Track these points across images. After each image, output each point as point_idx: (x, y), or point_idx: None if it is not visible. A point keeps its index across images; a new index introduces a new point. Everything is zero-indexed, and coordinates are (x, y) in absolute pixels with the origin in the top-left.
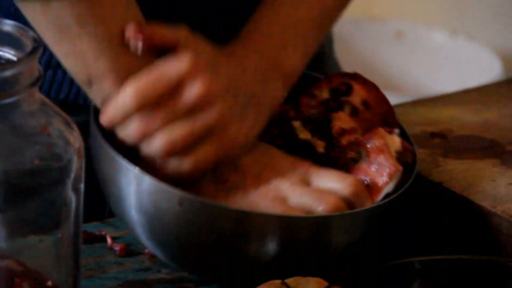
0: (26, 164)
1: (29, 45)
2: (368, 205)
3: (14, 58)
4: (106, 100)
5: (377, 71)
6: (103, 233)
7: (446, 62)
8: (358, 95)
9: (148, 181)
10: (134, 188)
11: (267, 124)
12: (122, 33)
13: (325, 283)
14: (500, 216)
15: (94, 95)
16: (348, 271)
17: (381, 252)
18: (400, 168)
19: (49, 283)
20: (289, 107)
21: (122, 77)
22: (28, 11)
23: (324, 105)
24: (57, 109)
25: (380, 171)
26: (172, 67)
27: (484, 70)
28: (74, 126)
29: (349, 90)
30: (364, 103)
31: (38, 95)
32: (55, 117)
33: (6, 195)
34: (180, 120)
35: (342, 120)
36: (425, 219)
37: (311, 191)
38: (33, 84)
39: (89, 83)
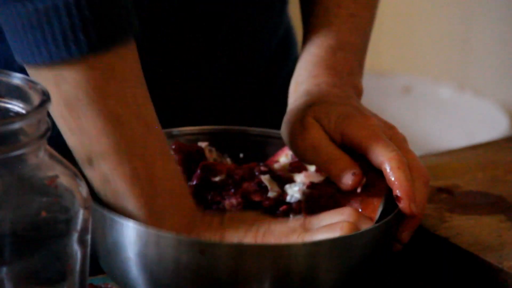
0: (32, 216)
1: (37, 98)
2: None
3: (23, 111)
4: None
5: None
6: (109, 286)
7: (452, 117)
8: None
9: (156, 234)
10: (138, 247)
11: (238, 179)
12: (129, 113)
13: None
14: (506, 272)
15: (93, 175)
16: None
17: None
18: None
19: None
20: (255, 163)
21: (123, 158)
22: (40, 79)
23: (289, 170)
24: (65, 161)
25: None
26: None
27: (490, 126)
28: (82, 178)
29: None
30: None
31: (46, 148)
32: (62, 169)
33: (12, 246)
34: None
35: (309, 176)
36: (431, 274)
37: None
38: (41, 137)
39: (90, 161)
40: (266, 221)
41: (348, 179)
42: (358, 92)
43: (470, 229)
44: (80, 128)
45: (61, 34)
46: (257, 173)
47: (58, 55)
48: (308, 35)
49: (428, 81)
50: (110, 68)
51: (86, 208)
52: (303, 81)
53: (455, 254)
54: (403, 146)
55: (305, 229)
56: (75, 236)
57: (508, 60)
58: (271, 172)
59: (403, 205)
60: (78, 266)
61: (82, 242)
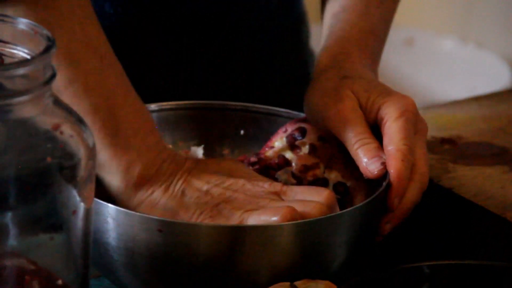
0: (37, 162)
1: (43, 43)
2: None
3: (28, 56)
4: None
5: (386, 78)
6: None
7: (455, 69)
8: (313, 134)
9: (124, 214)
10: (112, 225)
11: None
12: (80, 46)
13: (334, 286)
14: (509, 222)
15: None
16: (355, 274)
17: (390, 256)
18: None
19: (59, 282)
20: (244, 156)
21: (80, 92)
22: None
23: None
24: (70, 107)
25: None
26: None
27: (493, 77)
28: (87, 125)
29: (303, 133)
30: (321, 138)
31: (51, 93)
32: (67, 116)
33: (17, 192)
34: None
35: (303, 159)
36: (434, 224)
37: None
38: (46, 83)
39: None
40: (240, 179)
41: (375, 168)
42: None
43: (473, 180)
44: None
45: None
46: (247, 165)
47: None
48: (339, 12)
49: (430, 34)
50: (52, 2)
51: (91, 156)
52: (335, 54)
53: (458, 204)
54: (421, 137)
55: (277, 196)
56: (80, 183)
57: (511, 12)
58: (260, 161)
59: (388, 196)
60: (82, 213)
61: (86, 188)
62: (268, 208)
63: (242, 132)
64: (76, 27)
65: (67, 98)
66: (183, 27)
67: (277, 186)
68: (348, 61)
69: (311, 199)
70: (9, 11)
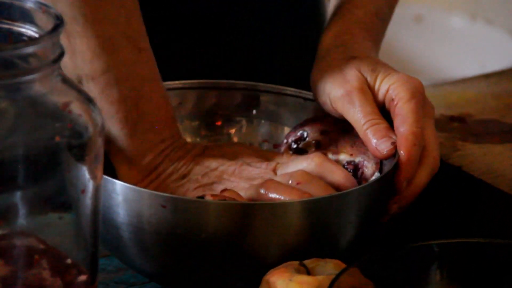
0: (46, 141)
1: (51, 22)
2: (337, 175)
3: (36, 35)
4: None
5: (396, 55)
6: None
7: (465, 46)
8: (314, 132)
9: (130, 189)
10: (118, 201)
11: None
12: (121, 36)
13: (343, 265)
14: None
15: None
16: (363, 253)
17: (398, 235)
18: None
19: (68, 260)
20: None
21: (111, 80)
22: None
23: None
24: (78, 86)
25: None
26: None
27: (502, 55)
28: (95, 104)
29: (304, 138)
30: (322, 132)
31: (60, 72)
32: (76, 95)
33: (26, 171)
34: None
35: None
36: (443, 203)
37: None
38: (55, 61)
39: (79, 82)
40: (239, 161)
41: (385, 148)
42: None
43: (483, 158)
44: (74, 48)
45: None
46: None
47: None
48: None
49: (440, 10)
50: None
51: (100, 135)
52: (340, 34)
53: (467, 182)
54: (429, 120)
55: (273, 173)
56: (88, 162)
57: None
58: None
59: (397, 177)
60: (91, 192)
61: (95, 168)
62: (282, 175)
63: (254, 112)
64: (121, 18)
65: (98, 85)
66: (193, 15)
67: (272, 164)
68: (353, 41)
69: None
70: None
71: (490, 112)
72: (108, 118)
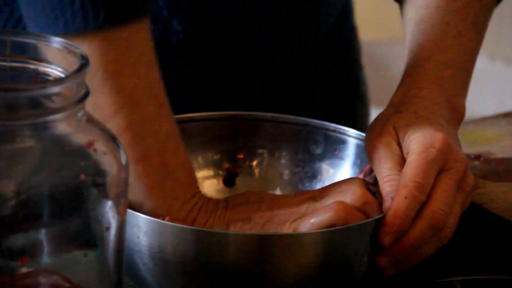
0: (71, 179)
1: (76, 63)
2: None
3: (62, 75)
4: None
5: None
6: None
7: (484, 86)
8: None
9: (156, 223)
10: (143, 235)
11: None
12: (142, 91)
13: None
14: None
15: None
16: None
17: (417, 272)
18: None
19: None
20: None
21: (136, 137)
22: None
23: None
24: (102, 125)
25: None
26: None
27: None
28: (120, 142)
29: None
30: None
31: (85, 112)
32: (100, 133)
33: (51, 210)
34: None
35: None
36: (464, 240)
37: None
38: (79, 101)
39: None
40: (272, 199)
41: (387, 203)
42: (458, 114)
43: (503, 196)
44: (95, 104)
45: (79, 6)
46: None
47: (75, 27)
48: (413, 46)
49: None
50: (126, 43)
51: (124, 173)
52: (404, 89)
53: (488, 220)
54: (461, 194)
55: (313, 200)
56: (112, 200)
57: None
58: None
59: (380, 230)
60: (115, 230)
61: (119, 205)
62: (316, 210)
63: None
64: (142, 70)
65: (122, 141)
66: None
67: (308, 193)
68: (414, 97)
69: (344, 199)
70: (84, 46)
71: (510, 151)
72: (135, 176)
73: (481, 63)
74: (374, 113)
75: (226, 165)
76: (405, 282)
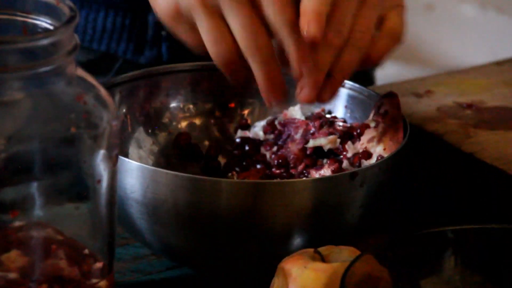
0: (62, 132)
1: (65, 14)
2: None
3: (51, 27)
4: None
5: (407, 43)
6: None
7: (476, 34)
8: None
9: (147, 170)
10: (136, 181)
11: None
12: None
13: (358, 252)
14: None
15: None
16: (374, 239)
17: (410, 221)
18: None
19: (86, 251)
20: None
21: None
22: None
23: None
24: (92, 78)
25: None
26: None
27: None
28: (109, 95)
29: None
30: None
31: (75, 64)
32: (90, 86)
33: (42, 163)
34: None
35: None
36: (455, 190)
37: None
38: (69, 53)
39: None
40: None
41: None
42: None
43: (495, 144)
44: None
45: None
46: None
47: None
48: None
49: None
50: None
51: (114, 123)
52: None
53: (480, 169)
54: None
55: None
56: (104, 152)
57: None
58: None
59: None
60: (106, 182)
61: (110, 157)
62: None
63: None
64: None
65: None
66: None
67: None
68: None
69: None
70: None
71: (502, 99)
72: None
73: (473, 12)
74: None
75: (217, 114)
76: (396, 232)
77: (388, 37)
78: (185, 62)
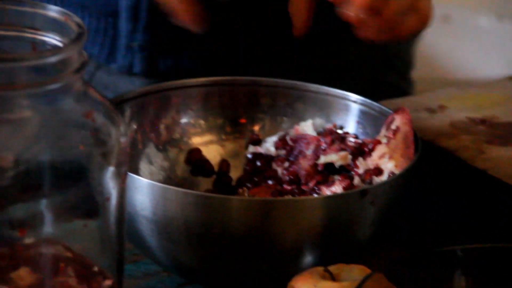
0: (71, 149)
1: (74, 31)
2: None
3: (60, 44)
4: None
5: (423, 54)
6: None
7: (492, 46)
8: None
9: (157, 187)
10: (146, 198)
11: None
12: None
13: (368, 270)
14: None
15: None
16: (385, 256)
17: (421, 239)
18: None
19: (95, 268)
20: None
21: None
22: None
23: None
24: (101, 95)
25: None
26: None
27: None
28: (118, 112)
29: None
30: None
31: (83, 81)
32: (99, 103)
33: (51, 180)
34: None
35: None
36: (469, 207)
37: None
38: (78, 70)
39: None
40: None
41: None
42: None
43: (509, 161)
44: None
45: None
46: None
47: None
48: None
49: (467, 10)
50: None
51: (123, 140)
52: None
53: (493, 186)
54: None
55: None
56: (113, 169)
57: None
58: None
59: None
60: (115, 199)
61: (119, 174)
62: None
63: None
64: None
65: None
66: None
67: None
68: None
69: None
70: None
71: None
72: None
73: (489, 23)
74: None
75: (228, 129)
76: (407, 250)
77: (417, 17)
78: (175, 79)
